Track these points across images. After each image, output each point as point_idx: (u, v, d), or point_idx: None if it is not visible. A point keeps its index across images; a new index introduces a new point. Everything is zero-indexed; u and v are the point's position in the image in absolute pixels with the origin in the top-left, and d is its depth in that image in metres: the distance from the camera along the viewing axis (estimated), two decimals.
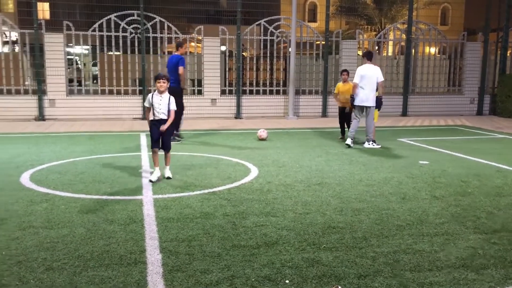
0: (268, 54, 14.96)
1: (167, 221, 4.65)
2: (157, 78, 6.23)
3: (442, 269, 3.61)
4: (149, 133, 6.49)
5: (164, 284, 3.28)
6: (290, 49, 14.60)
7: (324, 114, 15.03)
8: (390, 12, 28.03)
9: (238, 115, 14.36)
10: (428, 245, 4.11)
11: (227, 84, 15.14)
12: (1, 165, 7.17)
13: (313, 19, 36.01)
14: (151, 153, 6.46)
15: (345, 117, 10.26)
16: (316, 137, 10.80)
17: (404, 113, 15.60)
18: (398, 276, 3.47)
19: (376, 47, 17.03)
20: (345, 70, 10.35)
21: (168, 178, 6.32)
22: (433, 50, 19.76)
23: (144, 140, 9.85)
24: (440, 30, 17.14)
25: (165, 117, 6.24)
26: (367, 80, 9.18)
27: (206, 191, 5.81)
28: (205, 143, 9.62)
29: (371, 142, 9.31)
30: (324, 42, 15.21)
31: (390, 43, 17.99)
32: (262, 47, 14.96)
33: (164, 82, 6.22)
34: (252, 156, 8.15)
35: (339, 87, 10.27)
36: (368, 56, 9.44)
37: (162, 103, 6.22)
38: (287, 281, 3.35)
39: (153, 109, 6.22)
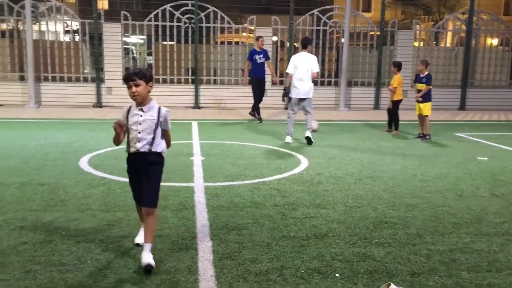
0: (321, 45, 14.75)
1: (217, 209, 4.70)
2: (127, 78, 3.40)
3: (502, 271, 3.44)
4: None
5: (214, 271, 3.32)
6: (343, 40, 14.33)
7: (377, 106, 14.69)
8: (449, 1, 26.92)
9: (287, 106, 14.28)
10: (487, 244, 3.93)
11: (278, 74, 15.07)
12: (62, 149, 7.50)
13: (367, 9, 35.18)
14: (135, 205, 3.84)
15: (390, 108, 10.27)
16: (368, 130, 10.58)
17: (462, 107, 14.99)
18: (454, 275, 3.34)
19: (434, 38, 16.42)
20: (393, 63, 10.35)
21: (147, 269, 3.24)
22: (495, 41, 18.81)
23: (196, 128, 10.00)
24: (503, 21, 16.29)
25: (146, 149, 3.43)
26: (301, 70, 8.45)
27: (256, 180, 5.83)
28: (256, 133, 9.64)
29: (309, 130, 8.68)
30: (378, 33, 14.83)
31: (449, 33, 17.29)
32: (314, 37, 14.75)
33: (139, 85, 3.37)
34: (302, 148, 8.10)
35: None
36: (303, 44, 8.77)
37: (144, 123, 3.43)
38: (337, 275, 3.31)
39: (129, 134, 3.47)
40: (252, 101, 11.52)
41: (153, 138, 3.46)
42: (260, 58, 11.36)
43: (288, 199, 5.09)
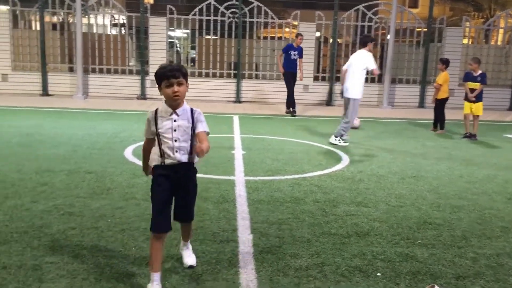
0: None
1: (258, 203, 4.72)
2: (170, 75, 2.89)
3: None
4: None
5: (255, 264, 3.34)
6: (388, 36, 14.04)
7: (421, 105, 14.33)
8: None
9: (330, 102, 14.16)
10: None
11: (320, 70, 14.95)
12: (108, 139, 7.72)
13: (414, 4, 34.30)
14: (155, 234, 2.96)
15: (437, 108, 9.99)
16: (412, 128, 10.35)
17: None
18: (501, 281, 3.23)
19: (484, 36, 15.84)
20: (441, 60, 10.13)
21: (191, 267, 3.23)
22: None
23: (237, 122, 10.06)
24: None
25: (186, 159, 2.99)
26: (351, 68, 8.11)
27: (296, 176, 5.82)
28: (296, 129, 9.61)
29: (338, 138, 7.97)
30: (426, 29, 14.43)
31: (500, 31, 16.63)
32: (359, 33, 14.52)
33: (181, 84, 2.92)
34: (344, 144, 8.00)
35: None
36: (362, 42, 8.37)
37: (179, 128, 2.96)
38: (378, 274, 3.26)
39: (160, 143, 2.96)
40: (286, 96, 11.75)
41: (191, 146, 2.98)
42: (294, 54, 11.54)
43: (329, 195, 5.05)
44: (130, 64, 14.68)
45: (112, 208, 4.37)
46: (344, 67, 8.41)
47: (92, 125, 8.95)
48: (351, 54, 15.11)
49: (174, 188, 2.99)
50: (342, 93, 8.29)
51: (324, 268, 3.32)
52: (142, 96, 13.83)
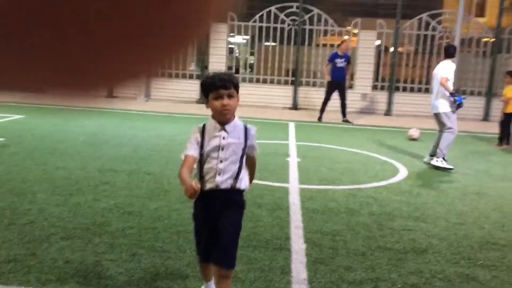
0: (428, 50, 14.08)
1: (312, 212, 4.69)
2: (219, 85, 2.48)
3: None
4: None
5: (308, 274, 3.32)
6: None
7: (486, 118, 13.71)
8: None
9: (388, 112, 13.85)
10: None
11: (379, 79, 14.67)
12: (166, 141, 7.94)
13: (481, 13, 32.96)
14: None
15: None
16: (475, 142, 9.91)
17: None
18: None
19: None
20: (508, 72, 9.58)
21: None
22: None
23: (293, 129, 10.06)
24: None
25: (230, 185, 2.55)
26: (434, 81, 7.27)
27: (352, 187, 5.72)
28: (353, 138, 9.47)
29: (440, 159, 6.94)
30: (493, 39, 13.81)
31: None
32: (422, 42, 14.12)
33: (232, 97, 2.52)
34: (401, 156, 7.79)
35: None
36: (448, 52, 7.23)
37: (228, 147, 2.56)
38: None
39: (203, 164, 2.56)
40: (340, 105, 11.84)
41: (239, 170, 2.55)
42: (341, 62, 11.39)
43: (385, 208, 4.93)
44: (190, 68, 15.05)
45: (169, 210, 4.48)
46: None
47: (152, 127, 9.25)
48: (413, 63, 14.79)
49: (211, 218, 2.57)
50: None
51: (379, 284, 3.24)
52: (201, 100, 14.12)
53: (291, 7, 13.92)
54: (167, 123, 9.91)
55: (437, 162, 6.90)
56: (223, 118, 2.53)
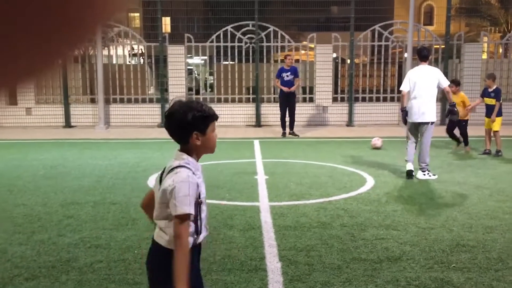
0: (383, 60, 14.48)
1: (284, 229, 4.65)
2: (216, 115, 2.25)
3: None
4: None
5: None
6: (406, 54, 13.99)
7: (443, 122, 14.13)
8: None
9: (350, 123, 14.09)
10: None
11: (338, 91, 14.94)
12: (130, 168, 7.76)
13: (429, 22, 34.28)
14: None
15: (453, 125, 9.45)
16: (435, 146, 10.16)
17: None
18: None
19: (502, 50, 15.66)
20: (453, 81, 9.48)
21: None
22: None
23: (258, 147, 10.04)
24: None
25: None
26: (421, 86, 6.83)
27: (321, 200, 5.73)
28: (318, 151, 9.54)
29: (426, 172, 6.82)
30: (443, 46, 14.35)
31: None
32: (376, 53, 14.51)
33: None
34: (367, 166, 7.90)
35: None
36: (424, 56, 6.95)
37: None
38: None
39: (199, 214, 2.14)
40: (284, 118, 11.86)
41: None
42: (287, 75, 11.59)
43: (356, 219, 4.95)
44: (150, 92, 14.89)
45: (138, 239, 4.35)
46: (405, 89, 7.06)
47: (114, 155, 9.04)
48: (369, 73, 15.15)
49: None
50: (405, 119, 7.06)
51: None
52: (163, 124, 13.94)
53: (247, 25, 14.05)
54: (129, 150, 9.71)
55: (425, 175, 6.78)
56: (209, 153, 2.27)
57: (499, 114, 9.01)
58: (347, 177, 7.08)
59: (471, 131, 10.01)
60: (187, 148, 2.14)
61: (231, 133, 12.36)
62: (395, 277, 3.52)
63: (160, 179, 2.16)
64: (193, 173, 2.09)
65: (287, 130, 11.78)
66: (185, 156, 2.13)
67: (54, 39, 0.37)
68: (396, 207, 5.42)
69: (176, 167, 2.09)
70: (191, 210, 2.02)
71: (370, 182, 6.70)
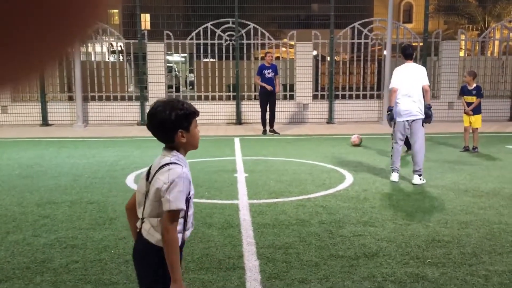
0: (362, 58, 14.59)
1: (263, 227, 4.66)
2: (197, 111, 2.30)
3: None
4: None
5: None
6: (385, 52, 14.12)
7: None
8: (495, 9, 26.11)
9: (330, 120, 14.17)
10: None
11: (319, 88, 15.00)
12: (109, 167, 7.68)
13: (408, 20, 34.66)
14: None
15: None
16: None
17: None
18: None
19: (479, 48, 15.93)
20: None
21: None
22: None
23: (238, 145, 10.03)
24: None
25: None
26: (410, 84, 6.59)
27: (300, 197, 5.75)
28: (298, 148, 9.57)
29: (421, 176, 6.50)
30: (422, 44, 14.52)
31: (496, 42, 16.75)
32: (355, 50, 14.61)
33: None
34: (346, 163, 7.95)
35: None
36: (408, 54, 6.78)
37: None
38: None
39: (187, 210, 2.19)
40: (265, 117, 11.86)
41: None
42: (268, 73, 11.56)
43: (335, 216, 4.98)
44: (129, 90, 14.74)
45: (115, 239, 4.30)
46: (395, 86, 6.70)
47: (92, 154, 8.92)
48: (349, 71, 15.24)
49: None
50: (392, 119, 6.75)
51: None
52: (142, 122, 13.83)
53: (227, 22, 14.00)
54: (108, 149, 9.60)
55: (421, 180, 6.46)
56: (194, 149, 2.30)
57: (479, 111, 9.15)
58: (327, 174, 7.12)
59: (451, 128, 10.19)
60: (173, 146, 2.18)
61: (211, 131, 12.31)
62: (372, 273, 3.55)
63: (147, 177, 2.18)
64: (185, 169, 2.14)
65: (268, 127, 11.79)
66: (174, 152, 2.17)
67: (50, 37, 0.37)
68: (374, 203, 5.47)
69: (168, 163, 2.12)
70: (184, 206, 2.06)
71: (349, 179, 6.75)
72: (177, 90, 14.81)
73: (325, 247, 4.09)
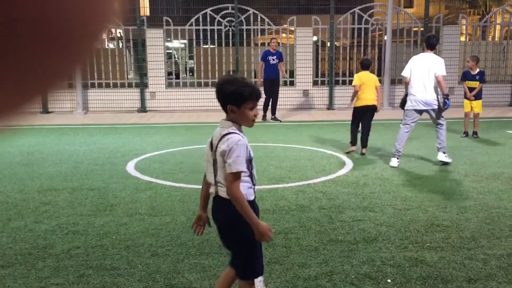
0: (362, 43, 14.51)
1: (263, 212, 4.65)
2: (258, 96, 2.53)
3: None
4: None
5: (263, 276, 3.30)
6: (385, 37, 14.04)
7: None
8: None
9: (330, 106, 14.14)
10: None
11: (319, 74, 14.95)
12: (109, 154, 7.69)
13: (409, 4, 34.38)
14: None
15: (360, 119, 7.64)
16: (414, 128, 10.27)
17: None
18: None
19: (481, 32, 15.83)
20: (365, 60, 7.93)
21: None
22: None
23: None
24: None
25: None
26: (424, 74, 6.67)
27: (300, 183, 5.77)
28: (298, 135, 9.58)
29: (446, 153, 6.76)
30: (422, 29, 14.43)
31: (497, 27, 16.64)
32: (356, 35, 14.53)
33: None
34: (346, 148, 7.95)
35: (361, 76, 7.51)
36: (430, 44, 6.84)
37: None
38: (389, 280, 3.22)
39: (252, 169, 2.62)
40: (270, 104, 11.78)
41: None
42: (273, 59, 11.47)
43: (334, 201, 5.01)
44: (129, 77, 14.70)
45: (116, 225, 4.33)
46: (405, 75, 6.95)
47: (93, 141, 8.94)
48: (350, 57, 15.17)
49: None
50: (404, 104, 6.99)
51: (333, 277, 3.27)
52: (142, 109, 13.82)
53: (227, 8, 13.91)
54: (108, 135, 9.60)
55: (446, 157, 6.70)
56: (248, 127, 2.56)
57: (480, 96, 9.14)
58: (326, 160, 7.14)
59: (451, 114, 10.12)
60: (229, 117, 2.50)
61: (212, 118, 12.29)
62: (371, 258, 3.58)
63: (211, 147, 2.52)
64: (242, 137, 2.45)
65: (269, 114, 11.76)
66: (230, 123, 2.48)
67: (52, 58, 0.37)
68: (373, 189, 5.49)
69: (226, 134, 2.44)
70: (244, 168, 2.41)
71: (349, 164, 6.77)
72: (177, 76, 14.76)
73: (324, 232, 4.12)
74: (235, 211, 2.41)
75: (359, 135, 7.61)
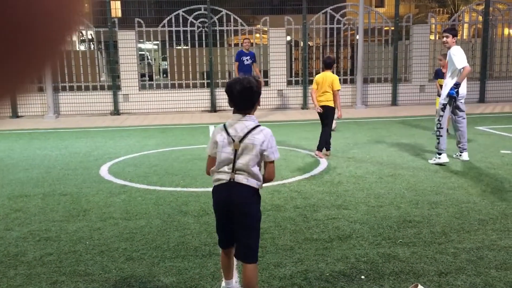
0: (335, 43, 14.66)
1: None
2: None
3: None
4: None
5: (238, 277, 3.31)
6: (357, 36, 14.23)
7: (394, 102, 14.54)
8: None
9: (305, 106, 14.25)
10: None
11: (293, 74, 15.04)
12: (82, 158, 7.58)
13: (380, 4, 34.89)
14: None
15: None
16: (386, 126, 10.47)
17: (482, 100, 14.75)
18: (482, 274, 3.28)
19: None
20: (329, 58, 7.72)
21: None
22: None
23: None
24: None
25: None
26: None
27: (276, 183, 5.80)
28: (273, 134, 9.59)
29: (460, 152, 7.07)
30: (393, 28, 14.68)
31: (465, 26, 17.05)
32: (328, 35, 14.67)
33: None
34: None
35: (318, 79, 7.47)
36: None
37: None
38: (362, 277, 3.27)
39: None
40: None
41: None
42: (247, 59, 11.51)
43: (309, 200, 5.05)
44: (101, 79, 14.50)
45: (90, 230, 4.28)
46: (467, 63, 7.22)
47: (65, 145, 8.79)
48: (322, 56, 15.31)
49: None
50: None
51: (308, 275, 3.31)
52: (115, 112, 13.66)
53: (199, 9, 13.86)
54: (80, 139, 9.46)
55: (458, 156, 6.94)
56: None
57: None
58: (301, 159, 7.19)
59: (422, 111, 10.39)
60: (250, 112, 2.83)
61: (186, 119, 12.26)
62: (345, 255, 3.63)
63: (233, 140, 2.77)
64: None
65: None
66: (253, 117, 2.86)
67: (19, 59, 0.36)
68: (347, 187, 5.57)
69: (257, 126, 2.81)
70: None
71: (323, 163, 6.83)
72: (151, 78, 14.64)
73: (299, 231, 4.16)
74: (252, 195, 2.76)
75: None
